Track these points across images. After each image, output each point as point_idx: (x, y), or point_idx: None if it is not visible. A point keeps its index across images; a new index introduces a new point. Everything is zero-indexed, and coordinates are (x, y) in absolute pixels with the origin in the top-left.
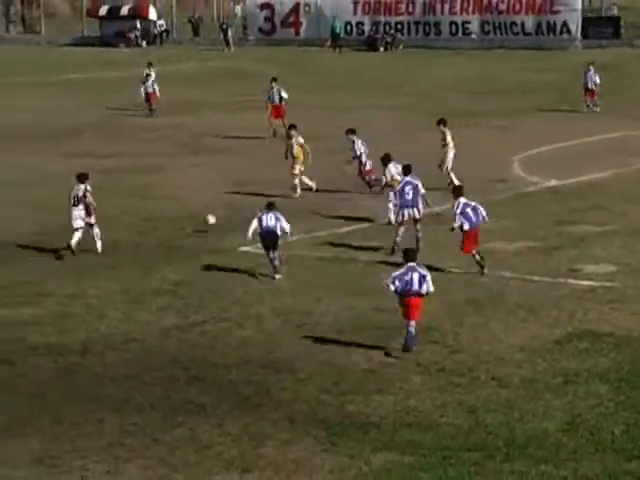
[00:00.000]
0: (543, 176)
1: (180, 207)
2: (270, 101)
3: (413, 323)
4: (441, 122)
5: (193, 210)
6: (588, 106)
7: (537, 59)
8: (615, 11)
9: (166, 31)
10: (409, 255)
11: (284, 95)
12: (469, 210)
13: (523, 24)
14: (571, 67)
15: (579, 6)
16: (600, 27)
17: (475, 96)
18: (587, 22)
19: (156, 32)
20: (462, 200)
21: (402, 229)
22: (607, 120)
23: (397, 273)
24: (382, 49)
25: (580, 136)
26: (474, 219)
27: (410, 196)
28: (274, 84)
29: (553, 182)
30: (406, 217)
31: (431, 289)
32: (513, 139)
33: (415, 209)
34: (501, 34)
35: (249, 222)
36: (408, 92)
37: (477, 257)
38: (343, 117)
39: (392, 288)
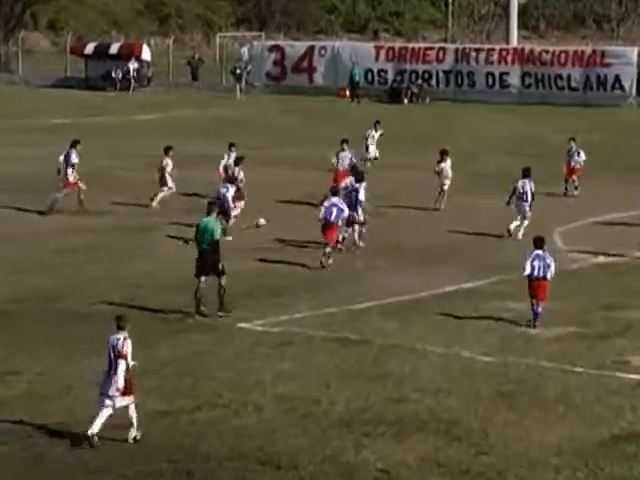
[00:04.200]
0: (590, 251)
1: (174, 272)
2: (340, 165)
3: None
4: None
5: (189, 276)
6: (567, 188)
7: (585, 117)
8: None
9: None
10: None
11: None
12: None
13: (569, 77)
14: (623, 127)
15: (634, 59)
16: None
17: (515, 157)
18: None
19: (150, 74)
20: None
21: None
22: None
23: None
24: (407, 101)
25: (635, 206)
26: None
27: None
28: (345, 146)
29: (601, 259)
30: None
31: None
32: (557, 207)
33: None
34: (544, 87)
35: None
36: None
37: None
38: (381, 178)
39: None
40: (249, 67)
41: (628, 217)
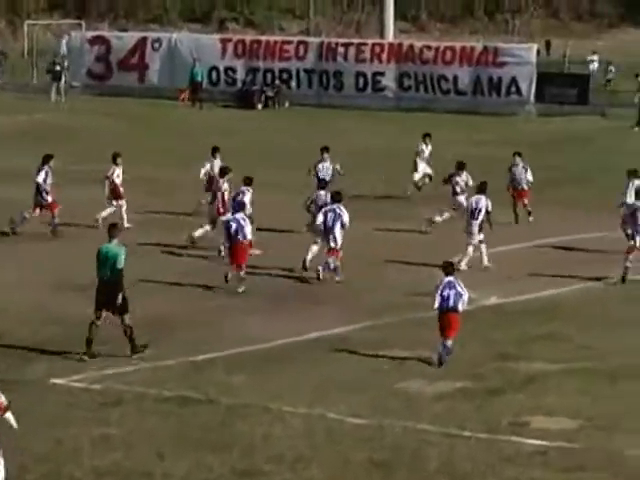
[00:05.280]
0: (482, 290)
1: None
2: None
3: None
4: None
5: None
6: (517, 215)
7: (474, 127)
8: (594, 65)
9: None
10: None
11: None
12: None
13: (456, 79)
14: (521, 139)
15: (533, 58)
16: (561, 87)
17: (388, 176)
18: (544, 80)
19: None
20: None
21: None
22: (574, 215)
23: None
24: (260, 106)
25: (535, 236)
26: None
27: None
28: (326, 155)
29: (493, 299)
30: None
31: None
32: (443, 239)
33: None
34: (425, 91)
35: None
36: (297, 165)
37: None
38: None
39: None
40: (66, 63)
41: (525, 249)
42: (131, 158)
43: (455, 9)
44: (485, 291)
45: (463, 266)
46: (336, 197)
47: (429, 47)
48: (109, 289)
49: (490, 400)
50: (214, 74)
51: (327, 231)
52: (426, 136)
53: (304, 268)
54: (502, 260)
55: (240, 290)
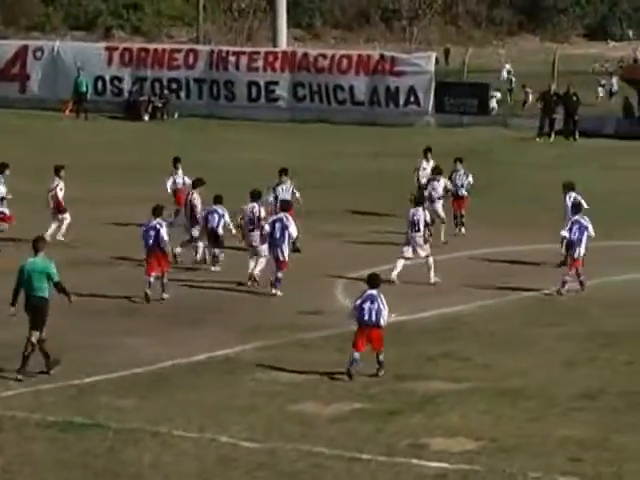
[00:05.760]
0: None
1: None
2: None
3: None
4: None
5: None
6: (457, 225)
7: (371, 139)
8: (504, 74)
9: None
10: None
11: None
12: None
13: (352, 89)
14: (419, 152)
15: (432, 67)
16: (461, 97)
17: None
18: (443, 90)
19: None
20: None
21: None
22: (474, 229)
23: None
24: (147, 117)
25: (434, 252)
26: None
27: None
28: (284, 177)
29: (392, 317)
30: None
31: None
32: (341, 253)
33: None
34: (320, 101)
35: None
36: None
37: None
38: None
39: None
40: None
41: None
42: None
43: (350, 16)
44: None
45: (393, 277)
46: (284, 206)
47: (324, 55)
48: (39, 305)
49: (388, 422)
50: (100, 84)
51: (274, 243)
52: (427, 151)
53: (253, 280)
54: (411, 274)
55: (165, 297)
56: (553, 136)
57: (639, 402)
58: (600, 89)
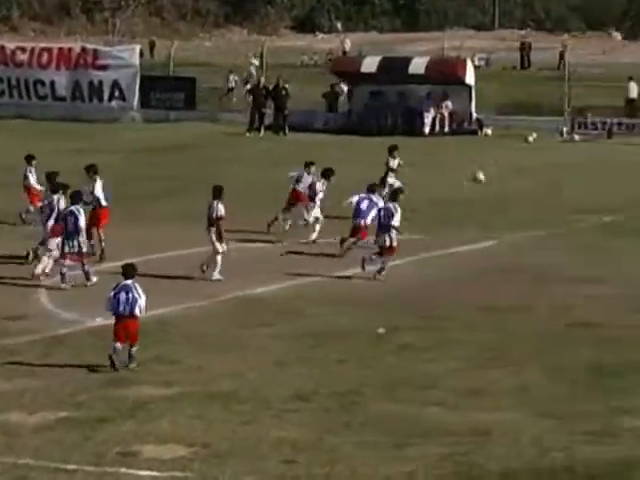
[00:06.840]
0: (87, 310)
1: None
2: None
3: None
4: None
5: None
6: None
7: (74, 135)
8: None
9: None
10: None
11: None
12: None
13: (53, 84)
14: (124, 148)
15: (136, 60)
16: (168, 92)
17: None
18: (149, 84)
19: None
20: None
21: None
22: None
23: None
24: None
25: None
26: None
27: None
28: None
29: (99, 320)
30: None
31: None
32: None
33: None
34: (20, 96)
35: None
36: None
37: None
38: None
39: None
40: None
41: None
42: None
43: (50, 8)
44: (90, 311)
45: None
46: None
47: (23, 49)
48: None
49: (97, 429)
50: None
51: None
52: (393, 149)
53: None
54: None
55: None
56: (263, 131)
57: (351, 402)
58: None
